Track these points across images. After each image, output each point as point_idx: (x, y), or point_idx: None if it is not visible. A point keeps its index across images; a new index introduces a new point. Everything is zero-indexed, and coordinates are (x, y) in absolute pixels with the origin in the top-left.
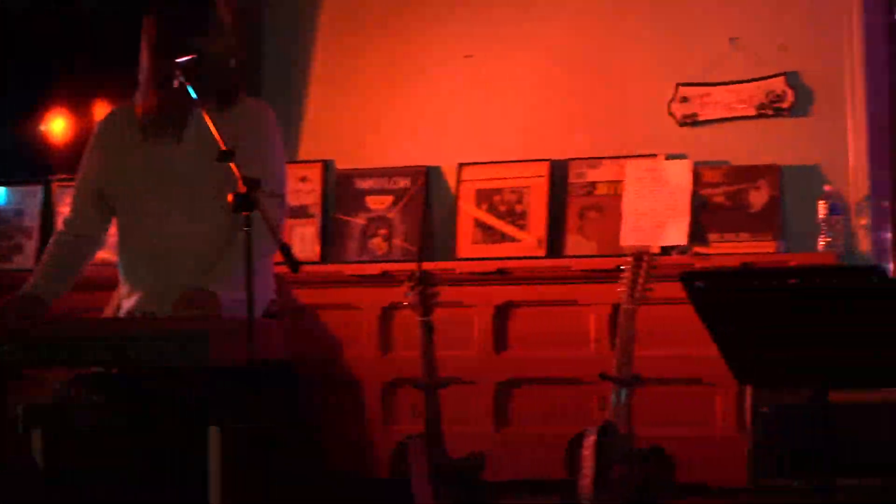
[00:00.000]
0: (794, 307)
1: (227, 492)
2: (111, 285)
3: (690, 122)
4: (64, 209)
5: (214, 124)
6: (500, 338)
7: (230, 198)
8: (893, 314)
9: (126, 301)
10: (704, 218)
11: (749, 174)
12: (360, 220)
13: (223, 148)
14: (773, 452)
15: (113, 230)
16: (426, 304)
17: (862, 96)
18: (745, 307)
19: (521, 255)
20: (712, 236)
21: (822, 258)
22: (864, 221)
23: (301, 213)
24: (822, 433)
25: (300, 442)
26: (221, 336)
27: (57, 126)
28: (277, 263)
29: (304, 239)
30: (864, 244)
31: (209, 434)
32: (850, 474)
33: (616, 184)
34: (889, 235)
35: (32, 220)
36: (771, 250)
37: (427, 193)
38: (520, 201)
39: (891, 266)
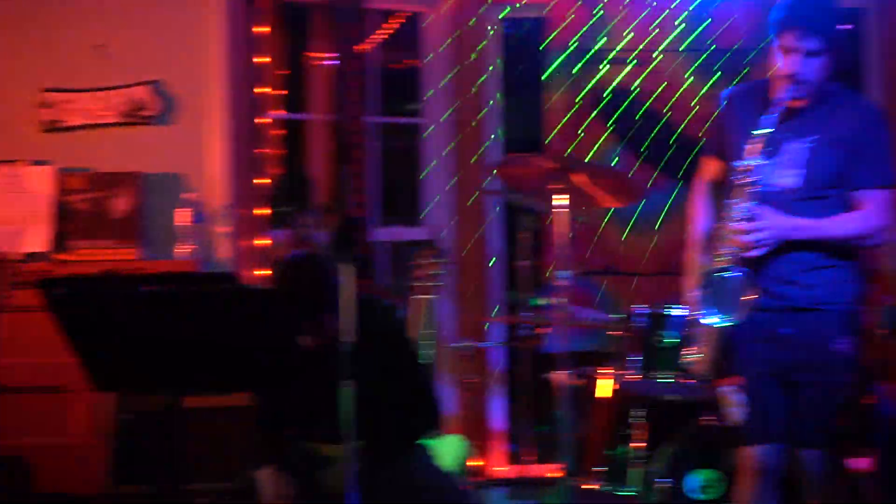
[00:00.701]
0: (151, 314)
1: None
2: None
3: (55, 128)
4: None
5: None
6: None
7: None
8: (243, 321)
9: None
10: (68, 225)
11: (112, 181)
12: None
13: None
14: (131, 459)
15: None
16: None
17: (223, 106)
18: (104, 315)
19: None
20: (75, 243)
21: (182, 265)
22: (224, 229)
23: None
24: (175, 438)
25: None
26: None
27: None
28: None
29: None
30: (224, 251)
31: None
32: (203, 478)
33: None
34: (247, 243)
35: None
36: (133, 257)
37: None
38: None
39: (247, 272)
